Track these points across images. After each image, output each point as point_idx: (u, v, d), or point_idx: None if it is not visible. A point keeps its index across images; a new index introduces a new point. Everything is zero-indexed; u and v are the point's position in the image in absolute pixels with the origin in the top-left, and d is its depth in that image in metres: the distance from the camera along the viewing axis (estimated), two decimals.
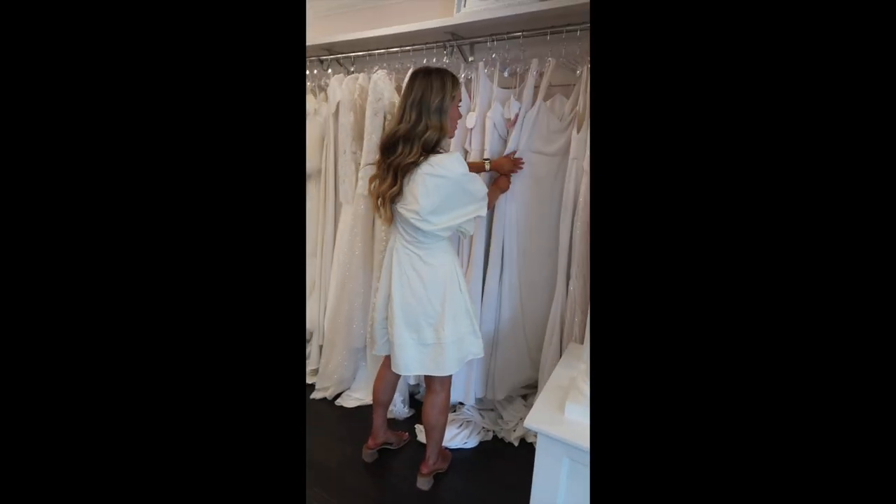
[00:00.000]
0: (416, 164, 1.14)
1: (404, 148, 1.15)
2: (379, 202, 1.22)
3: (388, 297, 1.29)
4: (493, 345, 1.67)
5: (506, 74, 1.63)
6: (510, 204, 1.58)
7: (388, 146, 1.19)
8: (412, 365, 1.27)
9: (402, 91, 1.22)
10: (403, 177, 1.16)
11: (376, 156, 1.25)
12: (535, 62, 1.50)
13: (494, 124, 1.57)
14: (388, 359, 1.42)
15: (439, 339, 1.25)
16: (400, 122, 1.17)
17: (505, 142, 1.61)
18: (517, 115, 1.54)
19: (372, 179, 1.27)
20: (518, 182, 1.58)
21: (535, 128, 1.54)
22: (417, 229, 1.19)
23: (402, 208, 1.18)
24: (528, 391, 1.78)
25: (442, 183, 1.14)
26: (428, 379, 1.34)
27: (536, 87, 1.53)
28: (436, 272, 1.24)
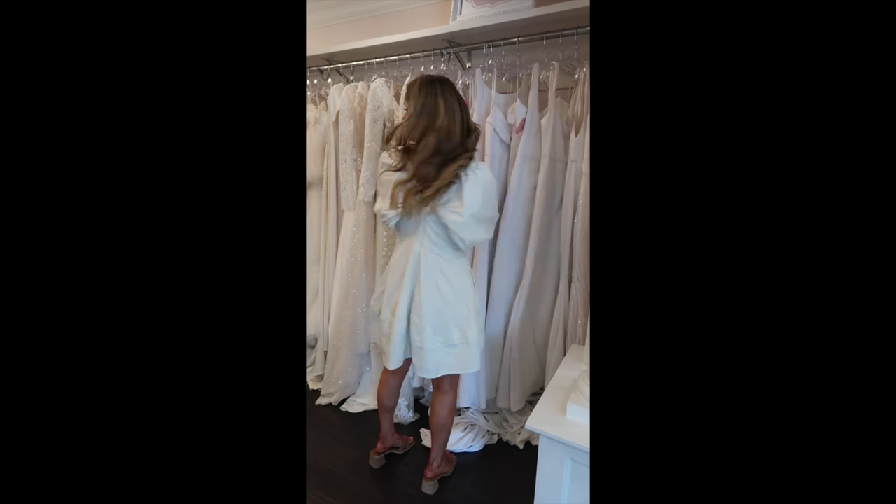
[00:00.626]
0: (465, 168, 1.18)
1: (464, 151, 1.20)
2: (414, 202, 1.19)
3: (412, 305, 1.27)
4: (504, 349, 1.67)
5: (504, 80, 1.65)
6: (517, 208, 1.59)
7: (448, 150, 1.18)
8: (441, 367, 1.28)
9: (436, 95, 1.19)
10: (456, 179, 1.18)
11: (393, 161, 1.23)
12: (536, 66, 1.51)
13: (495, 129, 1.58)
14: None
15: (466, 338, 1.28)
16: (453, 127, 1.19)
17: (508, 146, 1.63)
18: (524, 120, 1.55)
19: (403, 183, 1.21)
20: (526, 186, 1.58)
21: (548, 132, 1.53)
22: (446, 235, 1.22)
23: (447, 211, 1.18)
24: (536, 398, 1.78)
25: (479, 191, 1.19)
26: (437, 380, 1.34)
27: (542, 91, 1.54)
28: (460, 274, 1.28)
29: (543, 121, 1.53)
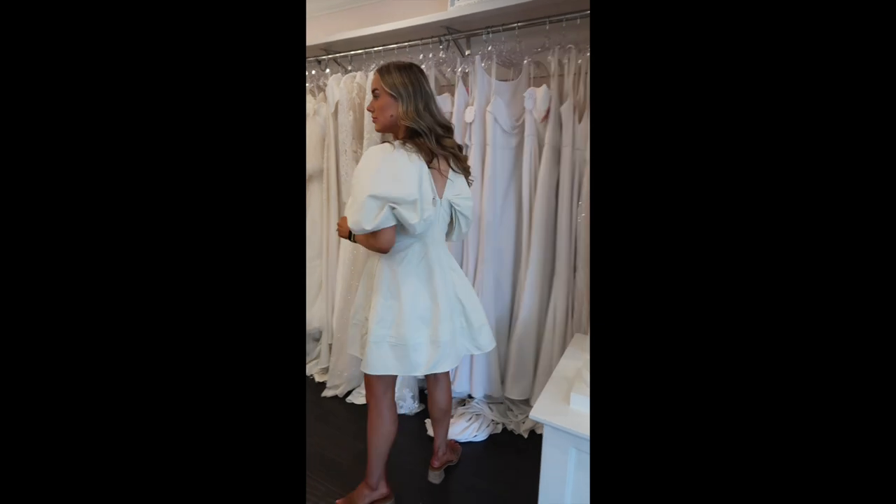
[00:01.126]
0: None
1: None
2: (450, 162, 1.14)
3: (458, 294, 1.20)
4: (544, 340, 1.64)
5: (527, 63, 1.58)
6: (550, 199, 1.57)
7: (446, 134, 1.14)
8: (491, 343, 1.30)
9: (420, 76, 1.12)
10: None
11: (419, 155, 1.07)
12: (557, 49, 1.48)
13: (496, 119, 1.56)
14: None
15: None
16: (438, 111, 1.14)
17: (511, 135, 1.60)
18: (549, 110, 1.50)
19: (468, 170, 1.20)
20: (553, 177, 1.56)
21: (569, 120, 1.49)
22: (447, 225, 1.21)
23: (462, 199, 1.17)
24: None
25: None
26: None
27: (543, 77, 1.51)
28: None
29: (563, 108, 1.49)
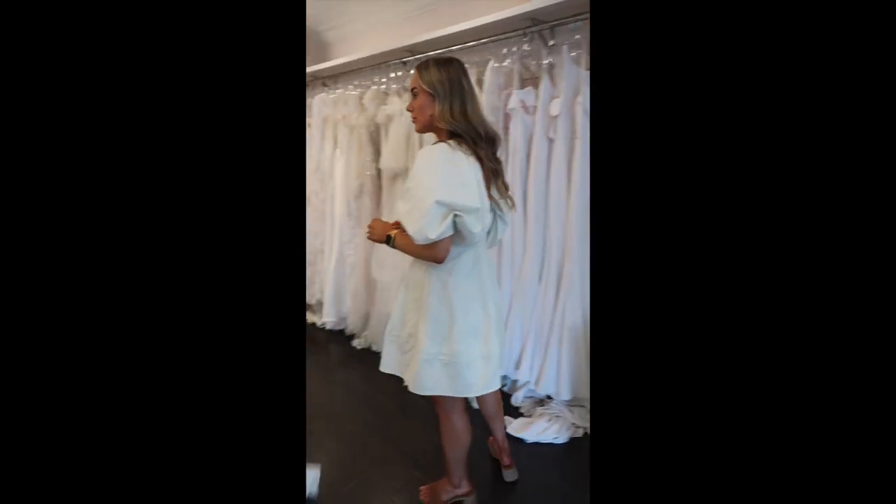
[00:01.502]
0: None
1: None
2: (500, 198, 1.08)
3: (497, 308, 1.15)
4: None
5: None
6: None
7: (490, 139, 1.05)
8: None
9: (460, 73, 1.03)
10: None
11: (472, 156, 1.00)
12: None
13: (585, 111, 1.50)
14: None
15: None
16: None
17: None
18: None
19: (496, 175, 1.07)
20: None
21: None
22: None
23: (504, 203, 1.11)
24: None
25: None
26: None
27: None
28: None
29: None
